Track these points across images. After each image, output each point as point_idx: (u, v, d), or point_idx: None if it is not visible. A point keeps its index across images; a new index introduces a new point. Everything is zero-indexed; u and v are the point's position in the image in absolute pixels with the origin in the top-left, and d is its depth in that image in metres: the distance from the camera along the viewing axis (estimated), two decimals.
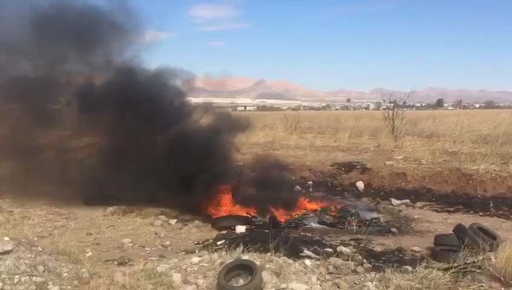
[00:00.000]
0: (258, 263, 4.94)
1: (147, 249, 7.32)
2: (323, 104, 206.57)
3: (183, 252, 6.81)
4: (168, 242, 7.66)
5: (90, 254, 6.54)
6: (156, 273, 4.86)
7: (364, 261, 6.17)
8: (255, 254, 5.64)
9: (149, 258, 6.47)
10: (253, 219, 8.88)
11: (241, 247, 5.87)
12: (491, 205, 10.17)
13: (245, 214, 8.89)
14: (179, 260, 5.38)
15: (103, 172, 10.26)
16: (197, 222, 8.86)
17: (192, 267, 5.07)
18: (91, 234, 8.12)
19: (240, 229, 8.19)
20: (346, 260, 5.77)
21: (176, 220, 8.95)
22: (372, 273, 5.07)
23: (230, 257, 5.30)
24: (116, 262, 6.34)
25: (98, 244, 7.54)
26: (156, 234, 8.17)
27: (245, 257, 5.35)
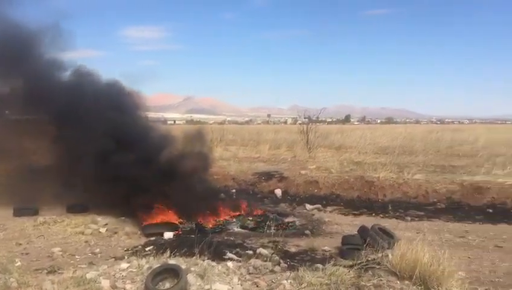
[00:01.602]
0: (183, 266, 4.88)
1: (77, 257, 6.98)
2: (247, 118, 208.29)
3: (113, 259, 6.56)
4: (98, 250, 7.35)
5: (19, 263, 6.14)
6: (85, 280, 4.66)
7: (281, 261, 6.26)
8: (181, 258, 5.57)
9: (79, 266, 6.17)
10: (181, 226, 8.75)
11: (168, 252, 5.78)
12: (390, 208, 10.73)
13: (173, 221, 8.74)
14: (108, 267, 5.19)
15: (33, 181, 9.73)
16: (127, 229, 8.59)
17: (121, 273, 4.91)
18: (20, 244, 7.62)
19: (168, 235, 8.04)
20: (265, 261, 5.82)
21: (106, 228, 8.61)
22: (288, 272, 5.15)
23: (157, 262, 5.19)
24: (45, 271, 5.98)
25: (27, 254, 7.09)
26: (86, 242, 7.82)
27: (172, 261, 5.26)
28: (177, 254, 6.00)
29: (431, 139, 25.73)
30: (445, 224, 9.32)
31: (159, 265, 4.93)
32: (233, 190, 12.90)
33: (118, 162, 8.77)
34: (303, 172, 13.63)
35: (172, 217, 8.79)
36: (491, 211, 10.39)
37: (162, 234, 8.06)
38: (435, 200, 11.26)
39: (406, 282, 4.63)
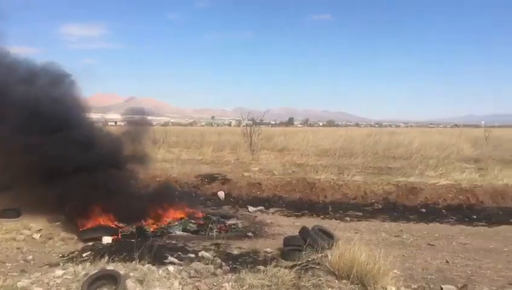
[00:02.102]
0: (122, 272, 4.76)
1: (7, 264, 6.59)
2: (190, 120, 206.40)
3: (47, 266, 6.25)
4: (31, 257, 6.97)
5: None
6: (15, 289, 4.42)
7: (223, 264, 6.23)
8: (120, 263, 5.42)
9: (9, 274, 5.84)
10: (121, 230, 8.50)
11: (107, 257, 5.60)
12: (330, 209, 11.00)
13: (112, 225, 8.47)
14: (41, 274, 4.97)
15: None
16: (62, 234, 8.22)
17: (55, 281, 4.71)
18: None
19: (107, 240, 7.78)
20: (207, 264, 5.79)
21: (40, 234, 8.20)
22: (229, 275, 5.16)
23: (95, 268, 5.03)
24: None
25: None
26: (18, 249, 7.40)
27: (110, 267, 5.11)
28: (116, 259, 5.82)
29: (369, 142, 26.62)
30: (382, 224, 9.67)
31: (96, 271, 4.78)
32: (176, 193, 12.71)
33: (52, 164, 8.37)
34: (246, 174, 13.69)
35: (111, 221, 8.53)
36: (424, 210, 10.91)
37: (100, 239, 7.79)
38: (373, 200, 11.67)
39: (344, 281, 4.77)
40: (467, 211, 10.76)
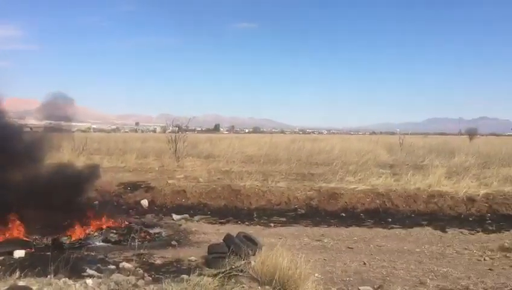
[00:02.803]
0: (35, 287, 4.48)
1: None
2: (113, 126, 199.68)
3: None
4: None
5: None
6: None
7: (145, 274, 6.07)
8: (33, 278, 5.08)
9: None
10: (34, 242, 8.00)
11: (18, 272, 5.25)
12: (255, 215, 11.12)
13: (24, 238, 7.95)
14: None
15: None
16: None
17: None
18: None
19: (19, 253, 7.29)
20: (128, 275, 5.60)
21: None
22: (152, 286, 5.02)
23: (4, 285, 4.68)
24: None
25: None
26: None
27: (21, 282, 4.79)
28: (29, 274, 5.47)
29: (293, 148, 27.29)
30: (305, 229, 9.93)
31: (5, 288, 4.45)
32: (96, 202, 12.20)
33: None
34: (171, 182, 13.48)
35: (23, 234, 8.01)
36: (344, 215, 11.35)
37: (11, 253, 7.29)
38: (296, 206, 11.94)
39: (267, 287, 4.83)
40: (383, 214, 11.35)
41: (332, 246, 8.43)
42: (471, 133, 60.34)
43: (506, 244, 8.08)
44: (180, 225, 10.13)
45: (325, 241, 8.75)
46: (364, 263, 7.16)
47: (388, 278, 6.39)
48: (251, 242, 7.04)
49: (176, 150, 19.81)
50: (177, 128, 24.38)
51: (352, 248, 8.28)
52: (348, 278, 6.35)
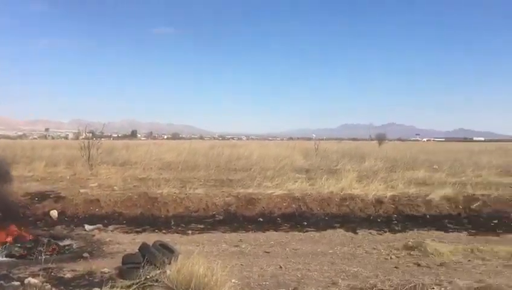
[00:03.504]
0: None
1: None
2: (20, 133, 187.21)
3: None
4: None
5: None
6: None
7: (54, 289, 5.75)
8: None
9: None
10: None
11: None
12: (172, 223, 10.95)
13: None
14: None
15: None
16: None
17: None
18: None
19: None
20: None
21: None
22: None
23: None
24: None
25: None
26: None
27: None
28: None
29: (212, 154, 27.28)
30: (223, 235, 9.94)
31: None
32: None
33: None
34: (83, 191, 12.87)
35: None
36: (261, 219, 11.51)
37: None
38: (214, 212, 11.93)
39: None
40: (299, 218, 11.67)
41: (249, 251, 8.52)
42: (380, 139, 64.24)
43: (410, 243, 8.64)
44: (93, 236, 9.70)
45: (243, 246, 8.83)
46: (281, 267, 7.31)
47: (303, 280, 6.57)
48: (167, 250, 6.91)
49: (89, 158, 19.01)
50: (90, 134, 23.45)
51: (269, 252, 8.43)
52: (264, 283, 6.44)
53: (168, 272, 5.16)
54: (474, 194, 12.84)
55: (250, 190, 13.18)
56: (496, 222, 11.35)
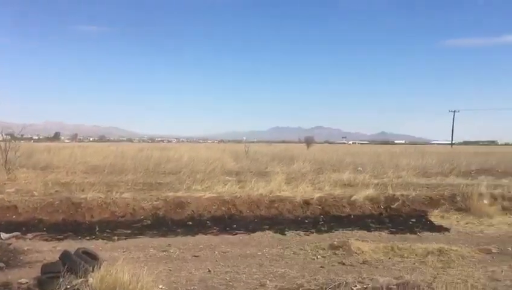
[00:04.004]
0: None
1: None
2: None
3: None
4: None
5: None
6: None
7: None
8: None
9: None
10: None
11: None
12: (97, 229, 10.53)
13: None
14: None
15: None
16: None
17: None
18: None
19: None
20: None
21: None
22: None
23: None
24: None
25: None
26: None
27: None
28: None
29: (141, 157, 26.66)
30: (151, 240, 9.72)
31: None
32: None
33: None
34: None
35: None
36: (190, 223, 11.38)
37: None
38: (142, 217, 11.62)
39: None
40: (229, 220, 11.67)
41: (178, 255, 8.40)
42: (309, 142, 66.22)
43: (335, 243, 8.95)
44: (10, 245, 9.09)
45: (171, 251, 8.69)
46: (209, 270, 7.28)
47: (231, 283, 6.59)
48: (91, 258, 6.63)
49: (6, 161, 17.82)
50: (9, 137, 22.06)
51: (198, 256, 8.36)
52: (192, 287, 6.39)
53: (90, 280, 4.95)
54: (394, 195, 13.53)
55: (179, 193, 12.99)
56: (413, 220, 12.03)
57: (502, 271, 6.90)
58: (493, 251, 8.75)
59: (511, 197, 13.54)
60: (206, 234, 10.36)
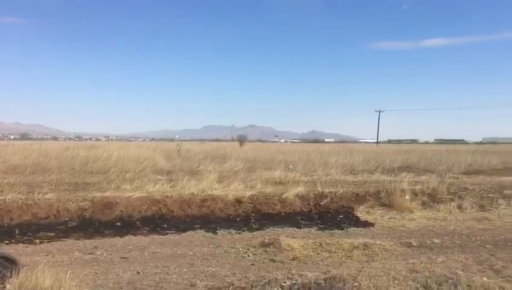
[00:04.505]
0: None
1: None
2: None
3: None
4: None
5: None
6: None
7: None
8: None
9: None
10: None
11: None
12: (17, 232, 9.95)
13: None
14: None
15: None
16: None
17: None
18: None
19: None
20: None
21: None
22: None
23: None
24: None
25: None
26: None
27: None
28: None
29: (67, 156, 25.46)
30: (76, 242, 9.32)
31: None
32: None
33: None
34: None
35: None
36: (119, 224, 11.06)
37: None
38: (67, 219, 11.11)
39: None
40: (159, 220, 11.47)
41: (105, 258, 8.13)
42: (242, 140, 66.62)
43: (266, 240, 9.06)
44: None
45: (98, 253, 8.39)
46: (138, 272, 7.12)
47: (161, 284, 6.49)
48: (9, 263, 6.24)
49: None
50: None
51: (126, 258, 8.14)
52: None
53: (8, 287, 4.66)
54: (323, 192, 13.95)
55: (107, 193, 12.57)
56: (341, 216, 12.47)
57: (421, 263, 7.31)
58: (413, 244, 9.29)
59: (429, 193, 14.41)
60: (135, 235, 10.11)
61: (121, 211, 11.62)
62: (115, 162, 22.14)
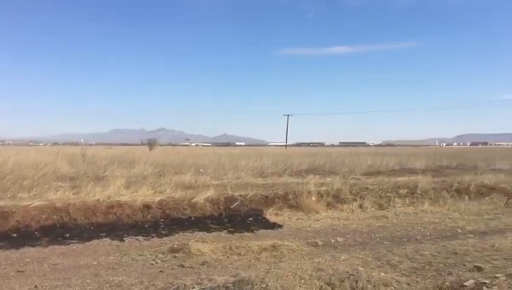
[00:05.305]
0: None
1: None
2: None
3: None
4: None
5: None
6: None
7: None
8: None
9: None
10: None
11: None
12: None
13: None
14: None
15: None
16: None
17: None
18: None
19: None
20: None
21: None
22: None
23: None
24: None
25: None
26: None
27: None
28: None
29: None
30: None
31: None
32: None
33: None
34: None
35: None
36: (15, 235, 10.28)
37: None
38: None
39: None
40: (60, 230, 10.82)
41: None
42: (151, 144, 65.17)
43: (175, 246, 8.93)
44: None
45: None
46: (36, 286, 6.64)
47: None
48: None
49: None
50: None
51: (23, 271, 7.58)
52: None
53: None
54: (233, 195, 14.05)
55: (1, 203, 11.64)
56: (251, 219, 12.65)
57: (325, 261, 7.62)
58: (319, 243, 9.68)
59: (334, 194, 15.09)
60: (33, 246, 9.46)
61: (17, 221, 10.80)
62: (11, 168, 20.52)
